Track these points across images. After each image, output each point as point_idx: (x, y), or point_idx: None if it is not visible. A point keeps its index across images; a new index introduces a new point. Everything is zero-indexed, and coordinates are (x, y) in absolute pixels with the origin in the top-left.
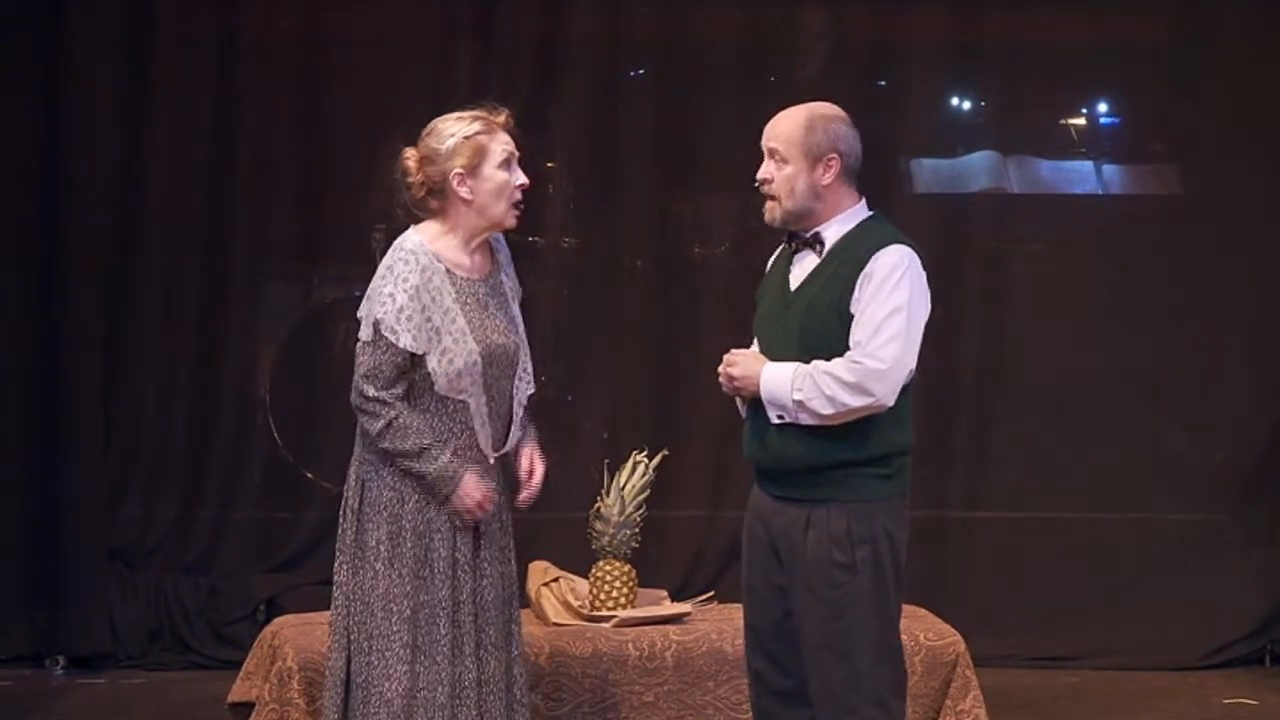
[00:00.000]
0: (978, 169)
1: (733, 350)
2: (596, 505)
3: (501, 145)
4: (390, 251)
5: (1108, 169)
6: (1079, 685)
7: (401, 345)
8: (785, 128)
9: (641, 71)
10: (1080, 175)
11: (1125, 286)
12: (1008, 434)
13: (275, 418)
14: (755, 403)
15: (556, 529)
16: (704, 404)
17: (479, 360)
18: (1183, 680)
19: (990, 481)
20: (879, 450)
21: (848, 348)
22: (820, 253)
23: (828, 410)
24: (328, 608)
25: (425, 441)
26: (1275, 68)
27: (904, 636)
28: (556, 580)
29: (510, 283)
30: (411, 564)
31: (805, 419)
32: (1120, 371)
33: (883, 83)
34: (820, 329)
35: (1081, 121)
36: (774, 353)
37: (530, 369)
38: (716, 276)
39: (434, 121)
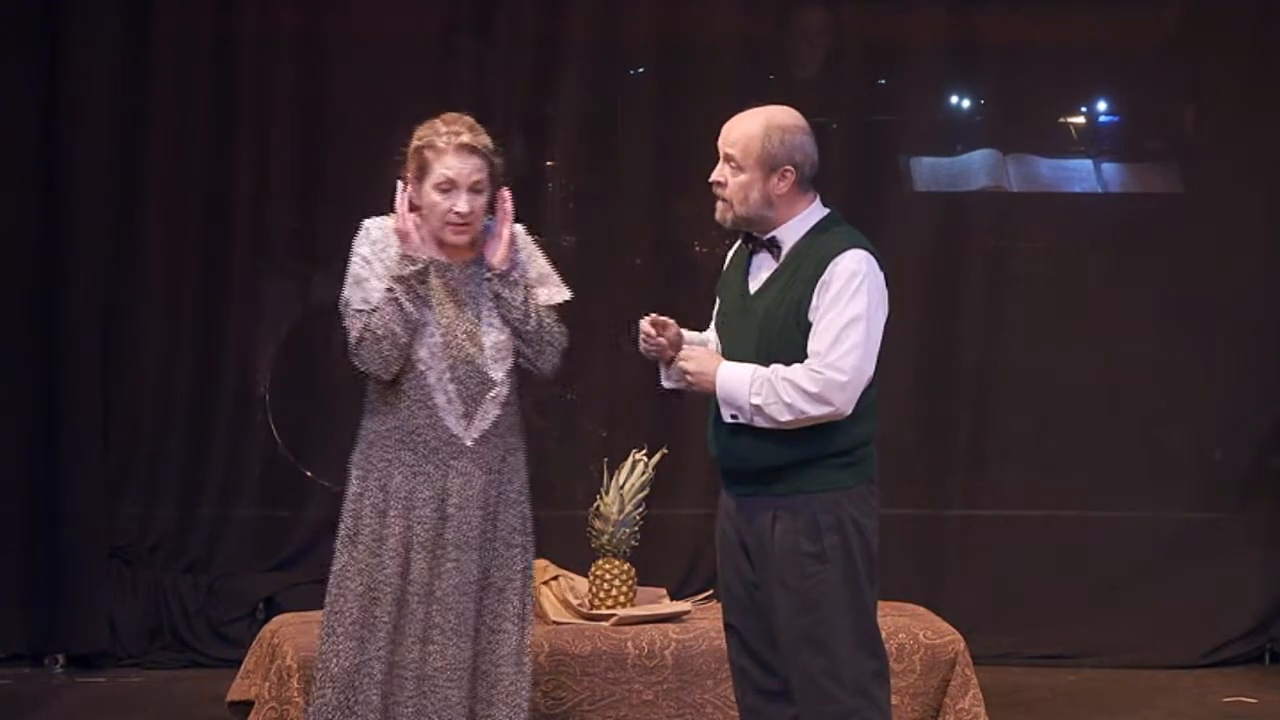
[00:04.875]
0: (977, 167)
1: (686, 345)
2: (596, 504)
3: (443, 169)
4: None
5: (1107, 167)
6: (1078, 683)
7: (355, 307)
8: (742, 135)
9: (641, 71)
10: (1079, 174)
11: (1124, 285)
12: (1007, 432)
13: (275, 416)
14: (716, 403)
15: (556, 527)
16: (703, 403)
17: (435, 332)
18: (1182, 678)
19: (989, 480)
20: (840, 445)
21: (805, 354)
22: (778, 257)
23: (785, 417)
24: None
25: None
26: (1275, 67)
27: (903, 635)
28: (556, 579)
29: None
30: (369, 541)
31: (760, 423)
32: (1119, 370)
33: (882, 81)
34: (778, 335)
35: (1081, 120)
36: (732, 353)
37: (508, 352)
38: (716, 275)
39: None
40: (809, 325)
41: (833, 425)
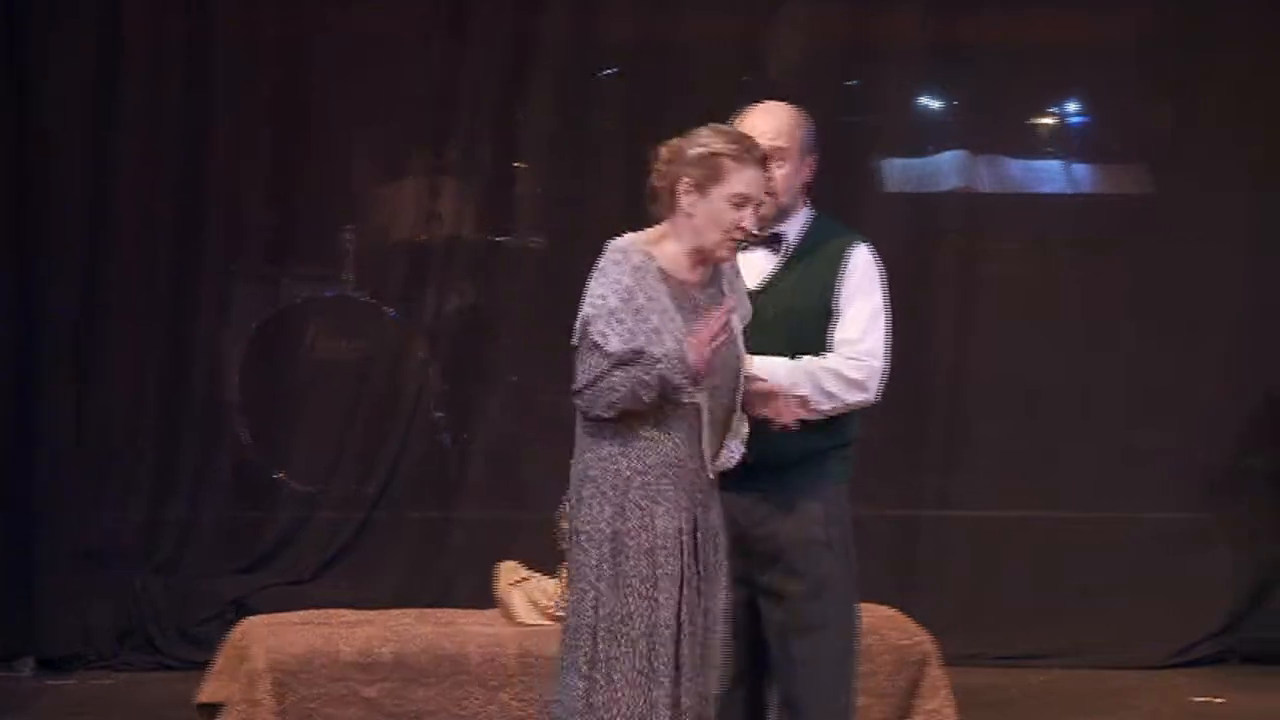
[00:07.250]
0: (948, 168)
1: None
2: (562, 503)
3: (743, 185)
4: (603, 254)
5: (1077, 168)
6: (1049, 684)
7: (610, 349)
8: (780, 126)
9: (614, 71)
10: (1050, 174)
11: (1096, 285)
12: (979, 433)
13: (244, 418)
14: None
15: (529, 529)
16: None
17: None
18: (1152, 679)
19: (961, 480)
20: (845, 438)
21: (827, 345)
22: (778, 251)
23: (825, 406)
24: (297, 608)
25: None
26: (1245, 67)
27: (872, 636)
28: (525, 580)
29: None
30: (639, 582)
31: None
32: (1091, 370)
33: (854, 82)
34: (808, 326)
35: (1051, 121)
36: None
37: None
38: None
39: (704, 126)
40: (833, 313)
41: (845, 417)
